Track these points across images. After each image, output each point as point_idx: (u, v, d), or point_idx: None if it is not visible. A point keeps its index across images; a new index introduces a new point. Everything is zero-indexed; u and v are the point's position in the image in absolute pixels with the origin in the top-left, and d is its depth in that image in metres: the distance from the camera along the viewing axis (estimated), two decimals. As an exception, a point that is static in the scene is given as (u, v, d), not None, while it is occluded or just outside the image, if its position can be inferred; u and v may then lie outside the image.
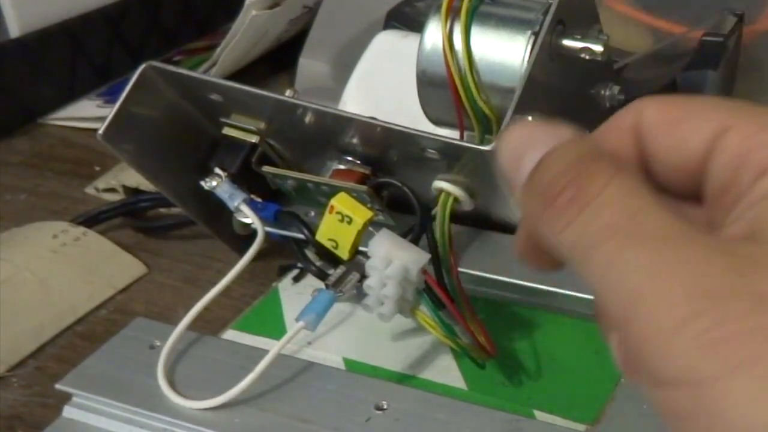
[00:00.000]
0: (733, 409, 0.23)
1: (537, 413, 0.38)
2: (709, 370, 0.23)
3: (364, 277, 0.39)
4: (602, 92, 0.47)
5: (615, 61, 0.52)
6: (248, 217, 0.45)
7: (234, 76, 0.70)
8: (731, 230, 0.25)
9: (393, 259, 0.38)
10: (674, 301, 0.23)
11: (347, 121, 0.43)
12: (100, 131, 0.44)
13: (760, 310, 0.22)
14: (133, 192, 0.58)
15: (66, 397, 0.41)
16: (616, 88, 0.47)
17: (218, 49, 0.66)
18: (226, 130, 0.46)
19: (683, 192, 0.26)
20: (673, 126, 0.26)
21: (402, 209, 0.44)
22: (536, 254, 0.27)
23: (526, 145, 0.25)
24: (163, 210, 0.56)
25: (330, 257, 0.42)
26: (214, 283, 0.42)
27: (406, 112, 0.46)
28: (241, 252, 0.44)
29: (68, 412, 0.40)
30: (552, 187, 0.25)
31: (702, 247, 0.23)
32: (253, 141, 0.46)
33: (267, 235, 0.45)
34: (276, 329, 0.44)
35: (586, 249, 0.24)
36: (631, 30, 0.57)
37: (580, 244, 0.24)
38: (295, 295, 0.47)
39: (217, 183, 0.45)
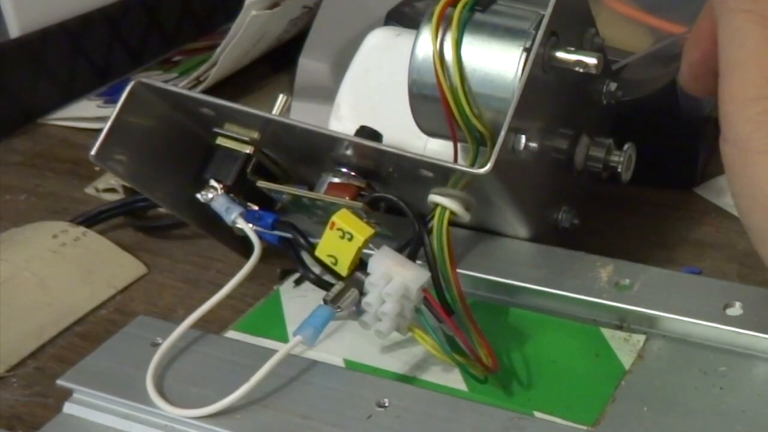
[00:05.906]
0: (762, 178, 0.30)
1: (537, 414, 0.38)
2: (755, 143, 0.30)
3: (362, 293, 0.39)
4: (600, 89, 0.47)
5: (614, 61, 0.52)
6: (244, 231, 0.44)
7: (234, 76, 0.70)
8: None
9: (393, 276, 0.38)
10: (756, 82, 0.30)
11: (333, 140, 0.43)
12: (93, 152, 0.44)
13: None
14: (132, 192, 0.58)
15: (66, 397, 0.41)
16: (613, 85, 0.47)
17: (218, 49, 0.66)
18: (220, 140, 0.46)
19: None
20: None
21: (401, 213, 0.44)
22: (698, 79, 0.36)
23: None
24: (163, 210, 0.56)
25: (328, 272, 0.42)
26: (214, 284, 0.42)
27: (402, 112, 0.45)
28: (243, 253, 0.44)
29: (69, 408, 0.40)
30: None
31: None
32: (247, 151, 0.46)
33: (266, 243, 0.45)
34: (277, 332, 0.44)
35: (724, 11, 0.31)
36: (630, 30, 0.57)
37: (722, 7, 0.32)
38: (296, 297, 0.47)
39: (213, 196, 0.45)
